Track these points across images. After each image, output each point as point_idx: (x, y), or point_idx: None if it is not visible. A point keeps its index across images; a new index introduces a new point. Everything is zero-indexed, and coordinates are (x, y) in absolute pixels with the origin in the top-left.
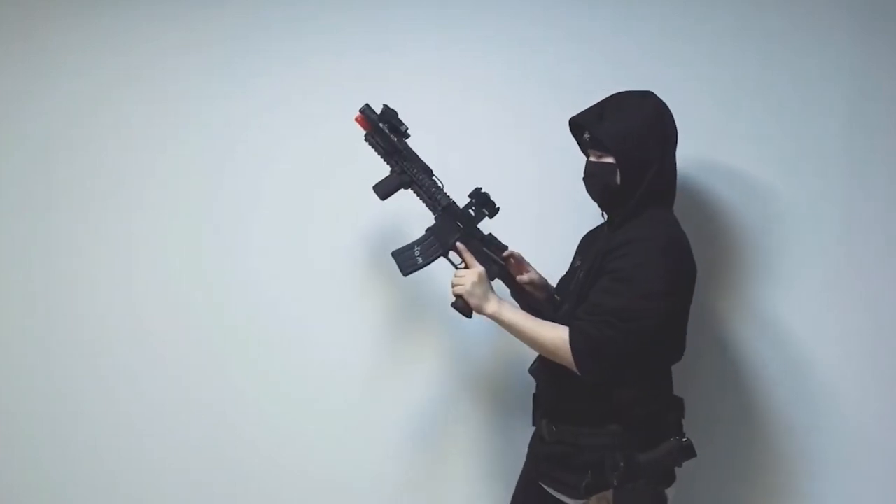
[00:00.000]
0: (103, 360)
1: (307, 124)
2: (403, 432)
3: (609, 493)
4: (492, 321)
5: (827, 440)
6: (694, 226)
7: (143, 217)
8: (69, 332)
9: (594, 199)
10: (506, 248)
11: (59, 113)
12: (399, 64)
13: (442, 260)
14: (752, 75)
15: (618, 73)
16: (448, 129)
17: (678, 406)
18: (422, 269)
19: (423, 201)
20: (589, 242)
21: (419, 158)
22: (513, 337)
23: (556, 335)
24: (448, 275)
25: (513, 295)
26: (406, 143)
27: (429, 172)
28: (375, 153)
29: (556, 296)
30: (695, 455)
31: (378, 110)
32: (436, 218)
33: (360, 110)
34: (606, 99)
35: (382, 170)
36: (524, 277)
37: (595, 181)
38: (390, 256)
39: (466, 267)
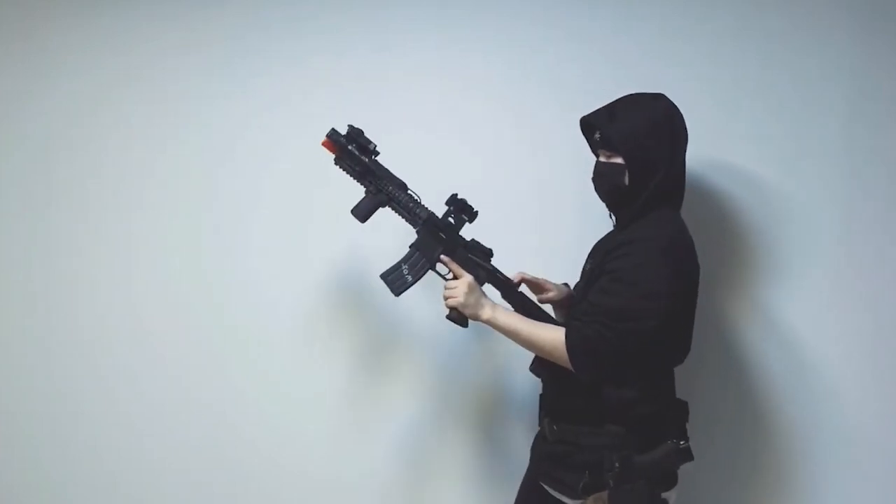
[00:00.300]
0: (103, 360)
1: (307, 124)
2: (404, 432)
3: (605, 494)
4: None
5: (827, 440)
6: (692, 225)
7: (143, 217)
8: (69, 332)
9: (602, 199)
10: (490, 251)
11: (59, 113)
12: (399, 64)
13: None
14: (752, 75)
15: (618, 73)
16: (448, 129)
17: (680, 408)
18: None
19: (403, 217)
20: (598, 246)
21: (392, 175)
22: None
23: (552, 336)
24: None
25: (503, 297)
26: (377, 161)
27: (403, 188)
28: (348, 176)
29: None
30: (692, 459)
31: (344, 132)
32: (417, 232)
33: (327, 135)
34: (618, 100)
35: None
36: (547, 296)
37: (604, 181)
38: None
39: (455, 277)
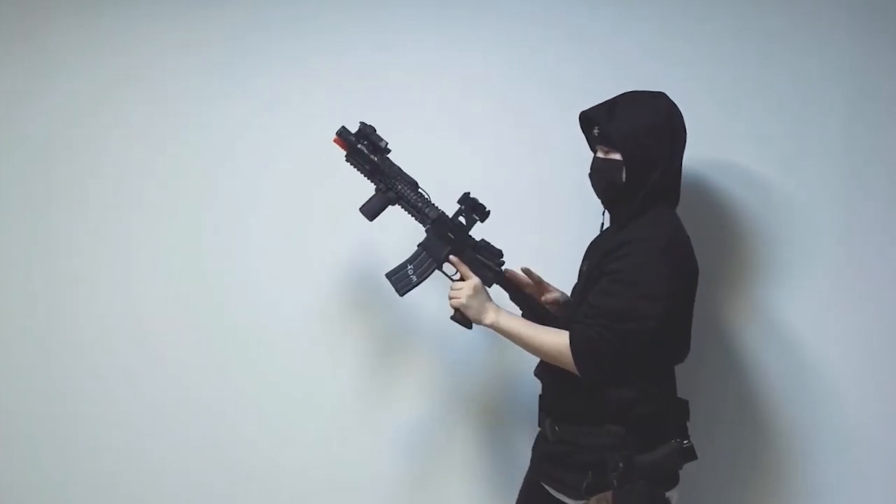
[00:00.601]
0: (103, 360)
1: (307, 124)
2: (405, 432)
3: (609, 494)
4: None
5: (827, 440)
6: (692, 225)
7: (143, 217)
8: (69, 332)
9: (598, 195)
10: (500, 252)
11: (59, 113)
12: (399, 64)
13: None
14: (752, 75)
15: (618, 73)
16: (448, 129)
17: (681, 408)
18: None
19: (412, 216)
20: (594, 246)
21: (403, 173)
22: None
23: (557, 340)
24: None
25: (512, 299)
26: (388, 159)
27: (414, 186)
28: (359, 174)
29: None
30: (695, 458)
31: (355, 129)
32: (426, 231)
33: (337, 133)
34: (619, 96)
35: None
36: (548, 297)
37: (601, 177)
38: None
39: (462, 278)
